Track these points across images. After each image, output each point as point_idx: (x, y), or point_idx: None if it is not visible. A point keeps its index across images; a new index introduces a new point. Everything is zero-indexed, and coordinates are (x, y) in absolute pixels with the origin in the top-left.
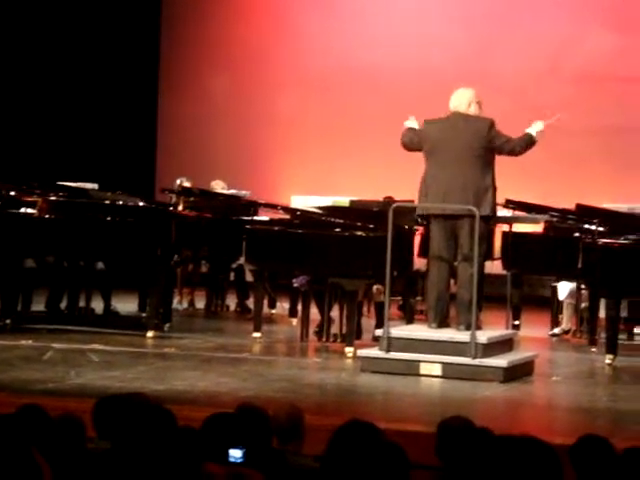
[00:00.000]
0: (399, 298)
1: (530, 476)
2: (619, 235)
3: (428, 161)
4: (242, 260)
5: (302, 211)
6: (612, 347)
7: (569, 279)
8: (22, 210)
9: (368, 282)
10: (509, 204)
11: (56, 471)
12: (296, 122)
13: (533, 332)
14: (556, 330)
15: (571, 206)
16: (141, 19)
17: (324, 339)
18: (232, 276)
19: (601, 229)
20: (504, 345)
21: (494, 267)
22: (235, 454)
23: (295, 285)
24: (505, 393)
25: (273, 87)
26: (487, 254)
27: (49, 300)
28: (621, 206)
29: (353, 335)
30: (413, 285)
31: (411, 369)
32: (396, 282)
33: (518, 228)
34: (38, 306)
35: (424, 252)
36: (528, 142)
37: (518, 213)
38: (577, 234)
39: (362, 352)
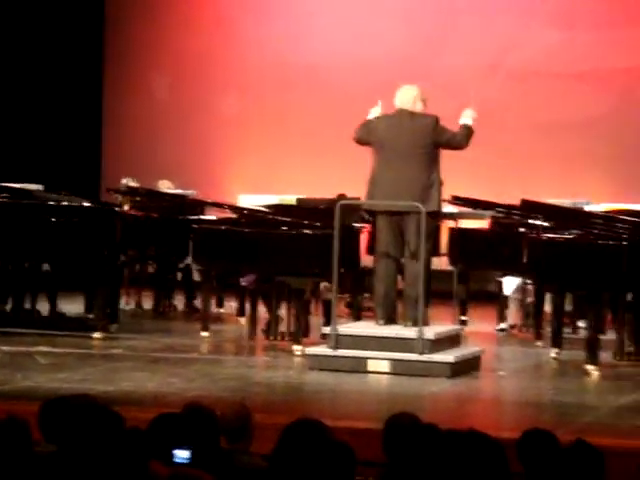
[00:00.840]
0: (347, 295)
1: (476, 471)
2: (563, 230)
3: (375, 157)
4: (189, 260)
5: (249, 210)
6: (557, 341)
7: (515, 274)
8: None
9: (315, 280)
10: (455, 200)
11: (1, 475)
12: (241, 121)
13: (480, 327)
14: (502, 325)
15: (516, 202)
16: (85, 19)
17: (272, 337)
18: (179, 276)
19: (546, 224)
20: (451, 341)
21: (441, 263)
22: (181, 454)
23: (243, 284)
24: (452, 388)
25: (217, 87)
26: (434, 250)
27: None
28: (565, 201)
29: (301, 333)
30: (360, 282)
31: (359, 366)
32: (343, 279)
33: (464, 224)
34: None
35: (371, 249)
36: (469, 133)
37: (464, 209)
38: (522, 229)
39: (310, 350)
